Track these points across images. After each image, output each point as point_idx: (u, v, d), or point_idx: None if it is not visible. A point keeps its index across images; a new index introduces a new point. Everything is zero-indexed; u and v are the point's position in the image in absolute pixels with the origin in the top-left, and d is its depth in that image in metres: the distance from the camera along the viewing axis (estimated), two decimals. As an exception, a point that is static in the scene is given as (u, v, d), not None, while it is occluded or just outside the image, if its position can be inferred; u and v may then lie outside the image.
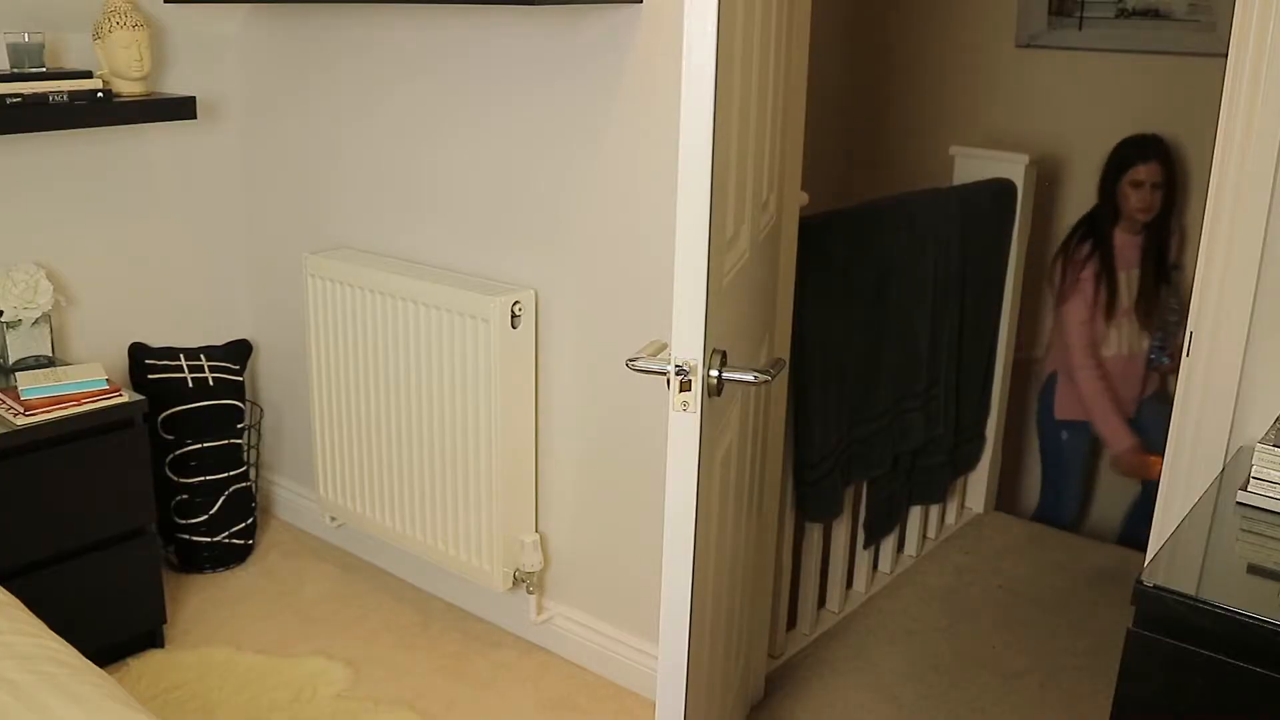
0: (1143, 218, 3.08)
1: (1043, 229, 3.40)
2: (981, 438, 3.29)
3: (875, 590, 2.95)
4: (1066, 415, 3.26)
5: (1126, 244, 3.13)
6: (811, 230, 2.36)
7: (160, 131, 2.89)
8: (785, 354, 2.35)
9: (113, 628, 2.50)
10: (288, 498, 3.25)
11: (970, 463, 3.27)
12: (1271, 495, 1.52)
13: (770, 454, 2.36)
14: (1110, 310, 3.14)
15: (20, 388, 2.38)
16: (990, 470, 3.37)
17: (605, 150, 2.28)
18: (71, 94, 2.47)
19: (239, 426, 2.95)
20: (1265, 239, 1.64)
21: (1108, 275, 3.12)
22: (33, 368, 2.55)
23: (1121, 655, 1.35)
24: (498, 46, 2.40)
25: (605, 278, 2.35)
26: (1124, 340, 3.19)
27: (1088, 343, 3.17)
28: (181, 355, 2.89)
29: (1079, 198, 3.35)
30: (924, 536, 3.17)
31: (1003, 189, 3.11)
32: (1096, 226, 3.15)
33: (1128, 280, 3.15)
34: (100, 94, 2.52)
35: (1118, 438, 3.18)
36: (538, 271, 2.46)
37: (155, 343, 2.96)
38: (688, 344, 1.50)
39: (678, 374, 1.51)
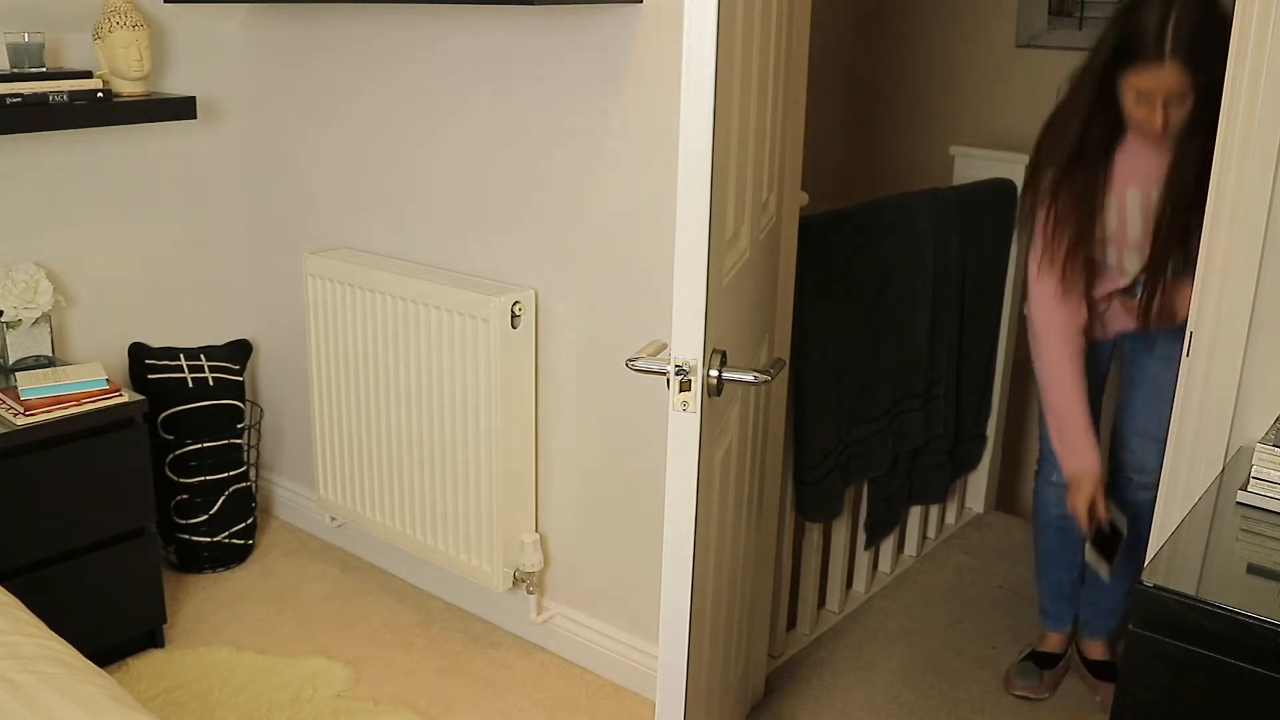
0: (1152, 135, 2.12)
1: (1043, 229, 3.39)
2: (982, 438, 3.29)
3: (875, 590, 2.95)
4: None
5: (1137, 157, 2.21)
6: (811, 230, 2.36)
7: (160, 131, 2.89)
8: (785, 354, 2.35)
9: (113, 628, 2.50)
10: (288, 498, 3.24)
11: (970, 463, 3.27)
12: (1271, 495, 1.52)
13: (770, 454, 2.36)
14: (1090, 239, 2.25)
15: (20, 388, 2.38)
16: (990, 470, 3.37)
17: (605, 150, 2.28)
18: (71, 94, 2.47)
19: (239, 426, 2.95)
20: (1265, 239, 1.64)
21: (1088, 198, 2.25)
22: (33, 368, 2.55)
23: (1121, 655, 1.35)
24: (498, 47, 2.40)
25: (605, 278, 2.35)
26: (1127, 272, 2.29)
27: (1042, 313, 2.33)
28: (181, 355, 2.89)
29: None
30: (924, 536, 3.17)
31: (1003, 189, 3.10)
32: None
33: (1138, 201, 2.23)
34: (100, 94, 2.52)
35: (1075, 453, 2.31)
36: (538, 271, 2.46)
37: (155, 343, 2.96)
38: (687, 344, 1.50)
39: (677, 374, 1.51)
